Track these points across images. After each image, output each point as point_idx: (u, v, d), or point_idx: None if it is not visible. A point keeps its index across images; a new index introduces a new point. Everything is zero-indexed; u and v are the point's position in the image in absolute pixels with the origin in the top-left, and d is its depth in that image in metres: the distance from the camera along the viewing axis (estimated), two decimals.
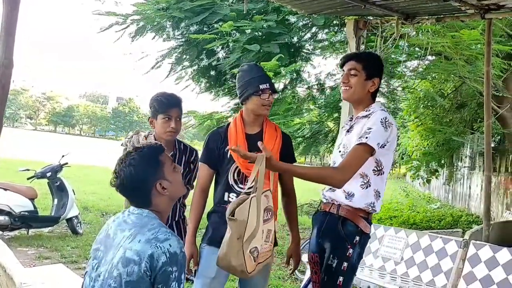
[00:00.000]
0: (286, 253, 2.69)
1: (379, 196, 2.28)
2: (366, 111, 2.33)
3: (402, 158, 19.66)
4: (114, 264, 1.61)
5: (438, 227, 9.81)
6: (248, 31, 6.90)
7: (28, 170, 6.62)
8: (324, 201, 2.40)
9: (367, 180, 2.24)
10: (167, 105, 2.69)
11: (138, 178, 1.72)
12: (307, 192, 13.00)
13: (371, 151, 2.15)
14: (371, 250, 4.00)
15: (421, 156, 12.71)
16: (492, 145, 7.99)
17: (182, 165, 2.79)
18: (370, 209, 2.26)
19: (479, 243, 3.31)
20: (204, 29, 7.71)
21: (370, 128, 2.17)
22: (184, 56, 8.22)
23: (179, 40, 8.13)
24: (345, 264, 2.20)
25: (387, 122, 2.19)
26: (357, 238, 2.23)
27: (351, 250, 2.22)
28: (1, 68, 1.79)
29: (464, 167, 13.06)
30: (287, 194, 2.67)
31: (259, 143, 2.12)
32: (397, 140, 2.28)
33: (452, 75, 6.65)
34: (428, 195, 17.89)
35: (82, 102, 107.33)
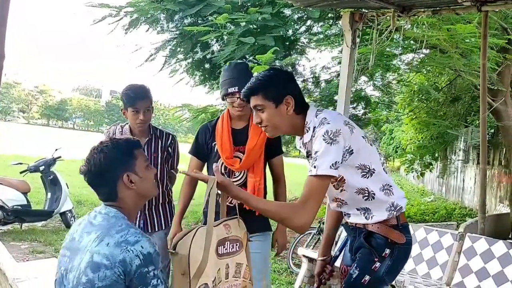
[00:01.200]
0: (273, 237, 2.79)
1: (390, 190, 2.04)
2: (307, 131, 2.01)
3: (396, 152, 19.79)
4: (82, 270, 1.53)
5: (432, 220, 9.86)
6: (243, 23, 6.85)
7: (21, 164, 6.57)
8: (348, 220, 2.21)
9: (367, 192, 2.01)
10: (133, 98, 2.81)
11: (106, 165, 1.68)
12: (302, 186, 13.00)
13: (328, 178, 1.87)
14: None
15: (415, 149, 12.76)
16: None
17: (159, 150, 2.93)
18: (395, 212, 2.03)
19: (474, 236, 3.32)
20: (199, 21, 7.64)
21: (316, 152, 1.88)
22: (179, 49, 8.16)
23: (173, 33, 8.06)
24: (367, 277, 2.02)
25: (331, 136, 1.86)
26: (387, 250, 2.01)
27: (378, 264, 2.02)
28: None
29: (458, 160, 13.12)
30: (276, 181, 2.79)
31: (213, 166, 2.15)
32: (358, 132, 1.99)
33: (447, 69, 6.65)
34: (422, 188, 17.98)
35: (75, 96, 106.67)
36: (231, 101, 2.62)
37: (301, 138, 2.10)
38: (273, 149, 2.71)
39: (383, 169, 2.07)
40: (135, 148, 1.77)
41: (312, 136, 1.97)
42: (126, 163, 1.71)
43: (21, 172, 6.54)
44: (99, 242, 1.54)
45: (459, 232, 3.41)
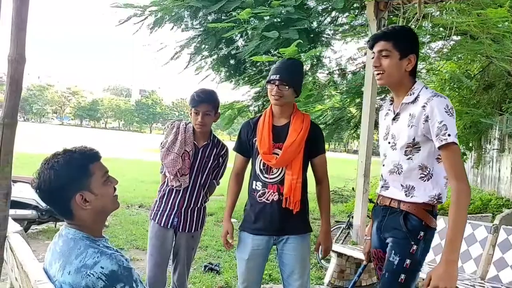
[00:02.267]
0: (316, 241, 2.77)
1: (446, 185, 2.10)
2: (410, 94, 2.12)
3: None
4: None
5: (468, 212, 9.60)
6: (267, 17, 6.80)
7: None
8: (382, 196, 2.27)
9: (427, 172, 2.08)
10: (196, 101, 2.94)
11: (56, 184, 1.53)
12: (331, 179, 12.90)
13: (458, 146, 1.99)
14: None
15: None
16: None
17: (212, 157, 3.02)
18: (435, 201, 2.10)
19: (509, 228, 3.19)
20: (222, 17, 7.63)
21: (441, 122, 1.97)
22: (203, 46, 8.17)
23: (198, 30, 8.08)
24: (408, 261, 2.06)
25: (450, 110, 1.99)
26: (422, 233, 2.08)
27: (415, 247, 2.07)
28: (14, 64, 1.78)
29: (493, 149, 12.72)
30: (319, 182, 2.75)
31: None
32: None
33: (479, 55, 6.42)
34: None
35: (106, 96, 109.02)
36: (270, 88, 2.61)
37: (391, 103, 2.24)
38: (315, 148, 2.67)
39: None
40: (91, 163, 1.60)
41: (416, 97, 2.08)
42: (79, 182, 1.55)
43: None
44: (62, 272, 1.47)
45: (493, 225, 3.29)
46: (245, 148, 2.77)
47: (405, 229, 2.08)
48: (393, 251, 2.10)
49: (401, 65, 2.10)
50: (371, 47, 2.18)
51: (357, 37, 8.43)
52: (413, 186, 2.10)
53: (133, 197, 9.63)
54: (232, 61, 8.44)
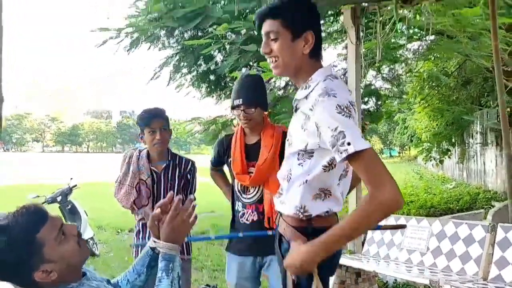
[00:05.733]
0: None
1: (326, 197, 1.65)
2: (305, 88, 1.67)
3: (412, 141, 19.52)
4: None
5: (457, 207, 9.65)
6: (243, 31, 6.78)
7: (38, 196, 6.57)
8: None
9: (288, 178, 1.69)
10: (148, 118, 2.77)
11: (10, 266, 1.33)
12: None
13: (372, 150, 1.47)
14: (395, 243, 3.88)
15: (431, 137, 12.58)
16: None
17: (176, 178, 2.83)
18: (301, 214, 1.65)
19: (507, 226, 3.18)
20: (199, 34, 7.60)
21: (336, 129, 1.47)
22: (182, 64, 8.14)
23: (175, 48, 8.04)
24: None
25: (345, 109, 1.50)
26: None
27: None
28: None
29: (476, 143, 12.87)
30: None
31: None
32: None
33: (457, 53, 6.50)
34: (442, 175, 17.71)
35: (87, 120, 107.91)
36: (237, 113, 2.57)
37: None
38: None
39: (343, 172, 1.69)
40: (37, 231, 1.34)
41: (307, 96, 1.64)
42: (32, 259, 1.34)
43: None
44: None
45: (490, 224, 3.27)
46: (222, 165, 2.86)
47: (279, 252, 1.77)
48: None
49: (295, 47, 1.64)
50: (259, 29, 1.73)
51: (334, 44, 8.47)
52: (283, 189, 1.75)
53: (123, 221, 9.43)
54: (212, 77, 8.42)
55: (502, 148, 10.59)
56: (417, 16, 5.38)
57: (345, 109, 1.49)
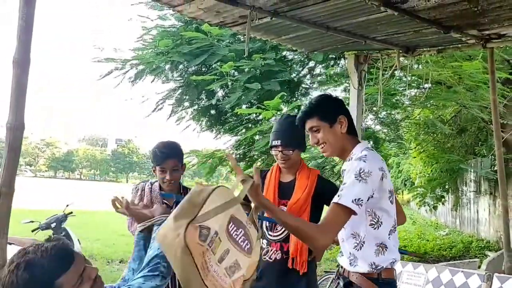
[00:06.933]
0: None
1: (384, 250, 1.98)
2: (348, 160, 2.07)
3: (405, 185, 19.57)
4: None
5: (450, 255, 9.64)
6: (247, 69, 6.97)
7: (32, 222, 6.52)
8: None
9: (359, 240, 1.99)
10: (160, 157, 2.69)
11: None
12: None
13: (348, 211, 1.83)
14: None
15: (426, 182, 12.64)
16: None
17: None
18: (375, 270, 1.97)
19: (502, 276, 3.20)
20: (203, 69, 7.78)
21: (344, 184, 1.90)
22: (184, 97, 8.28)
23: (178, 81, 8.20)
24: None
25: (362, 174, 1.87)
26: None
27: None
28: (13, 131, 1.75)
29: (470, 191, 12.96)
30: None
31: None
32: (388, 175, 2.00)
33: (454, 102, 6.68)
34: (435, 221, 17.67)
35: (82, 146, 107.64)
36: (275, 153, 2.61)
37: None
38: (318, 207, 2.59)
39: (392, 228, 2.02)
40: (59, 276, 1.29)
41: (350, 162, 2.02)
42: None
43: (32, 231, 6.47)
44: None
45: (486, 273, 3.30)
46: None
47: None
48: None
49: (335, 130, 2.05)
50: (303, 129, 2.15)
51: (334, 86, 8.66)
52: (355, 257, 2.01)
53: (113, 252, 9.32)
54: (213, 112, 8.54)
55: (495, 197, 10.68)
56: (418, 66, 5.57)
57: (362, 174, 1.87)
